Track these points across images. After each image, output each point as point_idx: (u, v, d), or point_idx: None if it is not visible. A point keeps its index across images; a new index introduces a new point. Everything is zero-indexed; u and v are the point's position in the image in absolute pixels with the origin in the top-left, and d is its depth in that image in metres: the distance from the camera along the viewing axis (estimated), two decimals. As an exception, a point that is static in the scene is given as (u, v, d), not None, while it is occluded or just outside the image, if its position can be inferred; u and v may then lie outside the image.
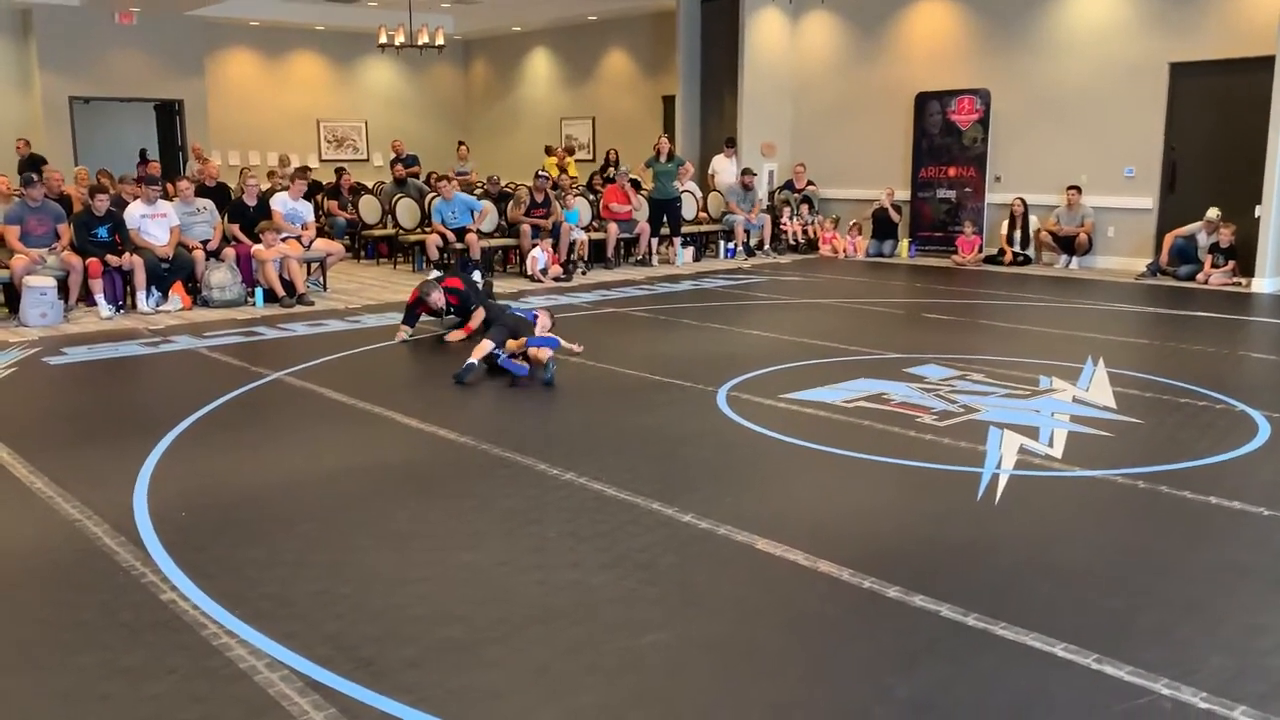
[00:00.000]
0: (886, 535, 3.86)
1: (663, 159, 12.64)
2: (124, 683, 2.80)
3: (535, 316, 6.85)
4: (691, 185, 13.61)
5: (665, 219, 12.76)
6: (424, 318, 8.04)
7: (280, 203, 10.16)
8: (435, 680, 2.81)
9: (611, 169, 14.36)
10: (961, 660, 2.90)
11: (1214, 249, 10.52)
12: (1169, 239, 10.97)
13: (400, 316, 8.08)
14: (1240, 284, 10.26)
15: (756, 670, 2.89)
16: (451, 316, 8.09)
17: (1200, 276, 10.53)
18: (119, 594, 3.34)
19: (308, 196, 11.75)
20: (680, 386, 6.20)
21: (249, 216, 9.89)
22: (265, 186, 11.40)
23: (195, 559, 3.61)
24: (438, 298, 7.90)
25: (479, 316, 7.78)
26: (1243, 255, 10.32)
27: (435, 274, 9.52)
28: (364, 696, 2.71)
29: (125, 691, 2.75)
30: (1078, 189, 11.81)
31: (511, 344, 6.50)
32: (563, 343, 6.72)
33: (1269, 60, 9.80)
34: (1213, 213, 10.54)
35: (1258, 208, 10.06)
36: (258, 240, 9.64)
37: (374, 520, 4.06)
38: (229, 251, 9.63)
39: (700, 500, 4.16)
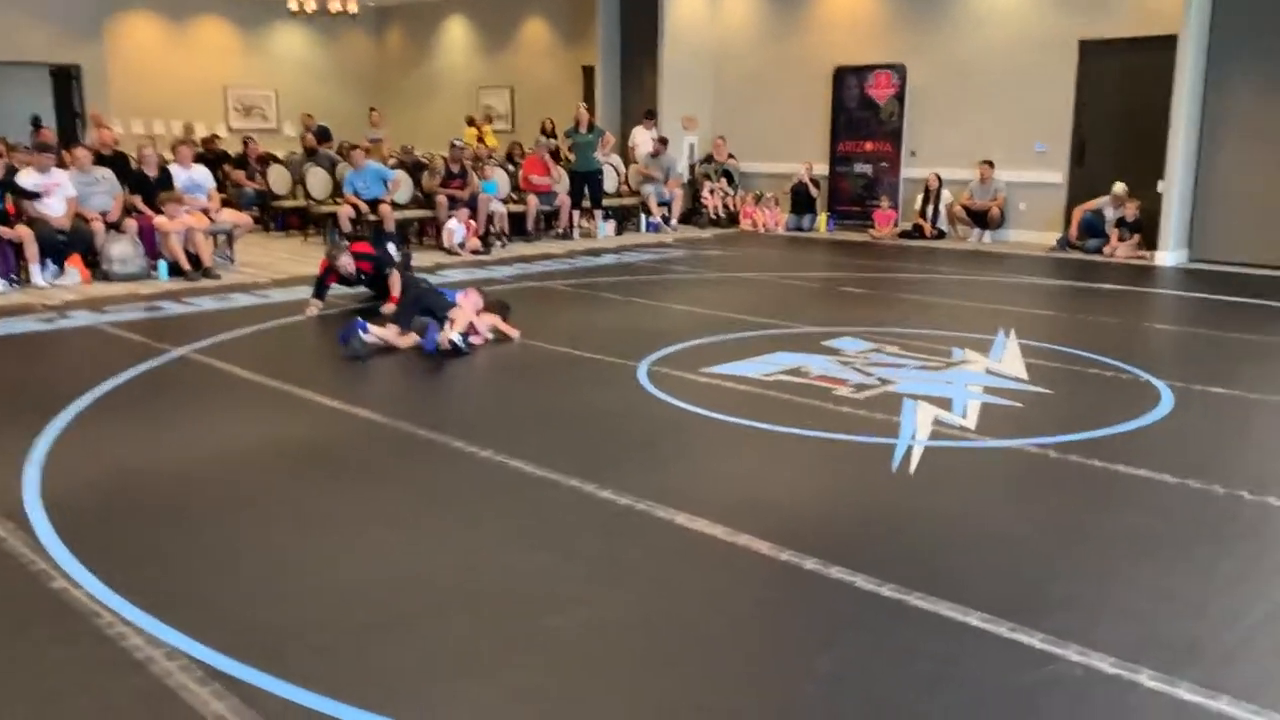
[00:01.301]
0: (804, 508, 3.87)
1: (582, 130, 12.50)
2: (11, 675, 2.65)
3: (455, 297, 6.63)
4: (615, 159, 13.49)
5: (586, 191, 12.64)
6: (336, 289, 7.83)
7: (174, 173, 9.77)
8: (347, 665, 2.71)
9: (550, 139, 14.15)
10: (880, 631, 2.90)
11: (1120, 223, 10.80)
12: (1078, 213, 11.23)
13: (310, 291, 7.85)
14: (1145, 257, 10.55)
15: (680, 645, 2.86)
16: (364, 288, 7.89)
17: (1107, 250, 10.80)
18: (5, 585, 3.17)
19: (213, 166, 11.39)
20: (601, 361, 6.14)
21: (150, 187, 9.51)
22: (170, 156, 10.96)
23: (90, 545, 3.44)
24: (347, 261, 7.66)
25: (396, 283, 7.53)
26: (1147, 229, 10.60)
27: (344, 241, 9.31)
28: (268, 684, 2.61)
29: (13, 684, 2.61)
30: (990, 164, 12.00)
31: (445, 335, 6.22)
32: (503, 327, 6.63)
33: (1173, 39, 10.05)
34: (1119, 187, 10.81)
35: (1160, 183, 10.35)
36: (160, 211, 9.27)
37: (284, 502, 3.93)
38: (130, 223, 9.26)
39: (621, 476, 4.12)
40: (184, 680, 2.62)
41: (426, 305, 6.48)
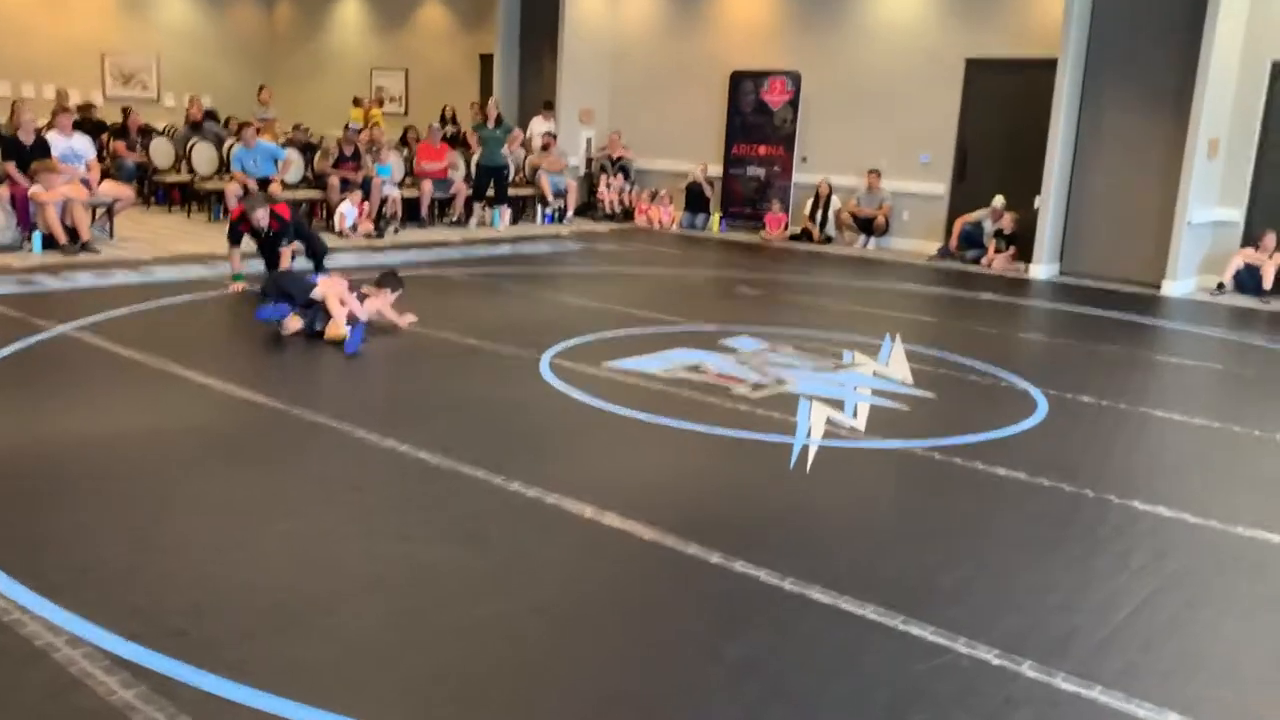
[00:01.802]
0: (707, 502, 3.98)
1: (490, 124, 12.41)
2: (-100, 664, 2.55)
3: (317, 279, 6.50)
4: (519, 151, 13.40)
5: (492, 185, 12.52)
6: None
7: (52, 141, 9.35)
8: (257, 653, 2.70)
9: (449, 125, 13.99)
10: (783, 623, 3.03)
11: (998, 235, 11.30)
12: (958, 224, 11.70)
13: (197, 270, 7.64)
14: (1020, 269, 11.07)
15: (587, 636, 2.93)
16: (256, 249, 7.76)
17: (985, 261, 11.29)
18: (-112, 567, 3.04)
19: (93, 135, 10.91)
20: (502, 353, 6.16)
21: (25, 155, 9.06)
22: (42, 123, 10.45)
23: (-23, 528, 3.32)
24: (262, 215, 7.53)
25: (288, 256, 7.70)
26: (1023, 242, 11.13)
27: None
28: (177, 672, 2.58)
29: (-98, 674, 2.52)
30: (877, 173, 12.40)
31: (334, 329, 6.14)
32: (389, 314, 6.55)
33: (1053, 63, 10.57)
34: (998, 201, 11.31)
35: (1037, 198, 10.87)
36: (34, 180, 8.85)
37: (180, 487, 3.85)
38: (2, 191, 8.81)
39: (526, 468, 4.16)
40: (89, 669, 2.57)
41: (283, 287, 6.35)
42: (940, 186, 12.22)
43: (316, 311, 6.21)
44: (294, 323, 6.22)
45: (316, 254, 7.95)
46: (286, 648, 2.74)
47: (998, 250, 11.26)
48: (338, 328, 6.10)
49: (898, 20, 12.33)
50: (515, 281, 8.78)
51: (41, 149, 9.18)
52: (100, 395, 4.94)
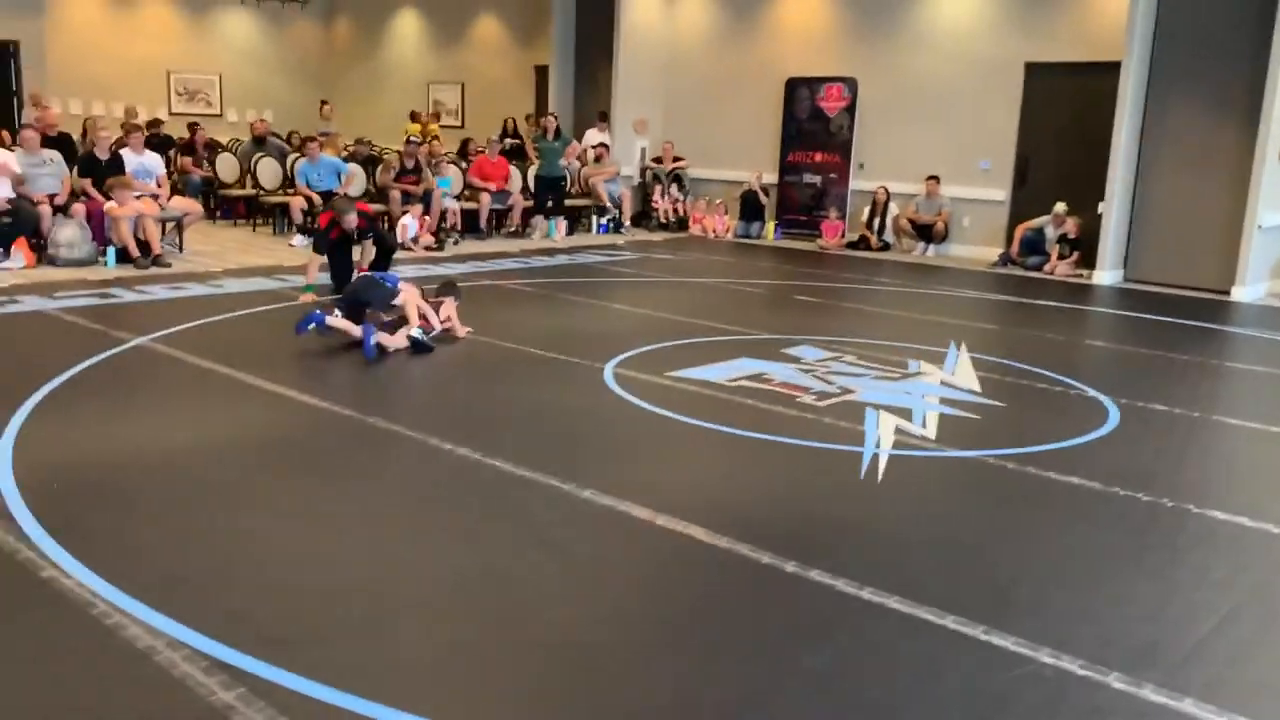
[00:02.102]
0: (780, 511, 3.99)
1: (549, 137, 12.53)
2: (13, 666, 2.65)
3: (398, 283, 6.60)
4: (575, 164, 13.53)
5: (550, 196, 12.64)
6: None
7: (125, 158, 9.61)
8: (346, 656, 2.76)
9: (507, 139, 14.14)
10: (861, 633, 3.03)
11: (1061, 240, 11.16)
12: (1020, 230, 11.57)
13: (265, 283, 7.81)
14: (1083, 275, 10.92)
15: (664, 644, 2.96)
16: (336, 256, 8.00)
17: (1047, 267, 11.15)
18: (-6, 572, 3.16)
19: (160, 151, 11.19)
20: (567, 362, 6.22)
21: (101, 171, 9.33)
22: (115, 139, 10.75)
23: (74, 534, 3.43)
24: (353, 219, 7.73)
25: (370, 253, 8.05)
26: (1086, 249, 10.98)
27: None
28: (273, 675, 2.65)
29: (15, 675, 2.61)
30: (936, 179, 12.31)
31: (402, 333, 6.25)
32: (454, 324, 6.64)
33: (1116, 65, 10.42)
34: (1059, 207, 11.17)
35: (1101, 204, 10.72)
36: (109, 196, 9.11)
37: (260, 495, 3.94)
38: (79, 208, 9.07)
39: (598, 476, 4.20)
40: (189, 670, 2.65)
41: (365, 299, 6.40)
42: (1000, 192, 12.10)
43: (368, 329, 6.25)
44: (338, 322, 6.30)
45: (389, 250, 8.31)
46: (371, 652, 2.80)
47: (1061, 256, 11.12)
48: (399, 338, 6.21)
49: (955, 25, 12.25)
50: (573, 291, 8.85)
51: (116, 166, 9.44)
52: (180, 404, 5.08)
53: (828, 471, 4.48)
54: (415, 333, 6.24)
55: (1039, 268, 11.23)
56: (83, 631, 2.82)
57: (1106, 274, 10.69)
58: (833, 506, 4.06)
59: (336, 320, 6.29)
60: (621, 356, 6.35)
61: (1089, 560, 3.65)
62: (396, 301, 6.34)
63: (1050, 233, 11.29)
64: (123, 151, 9.73)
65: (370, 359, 6.01)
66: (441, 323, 6.61)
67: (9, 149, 9.25)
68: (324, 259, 7.87)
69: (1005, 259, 11.59)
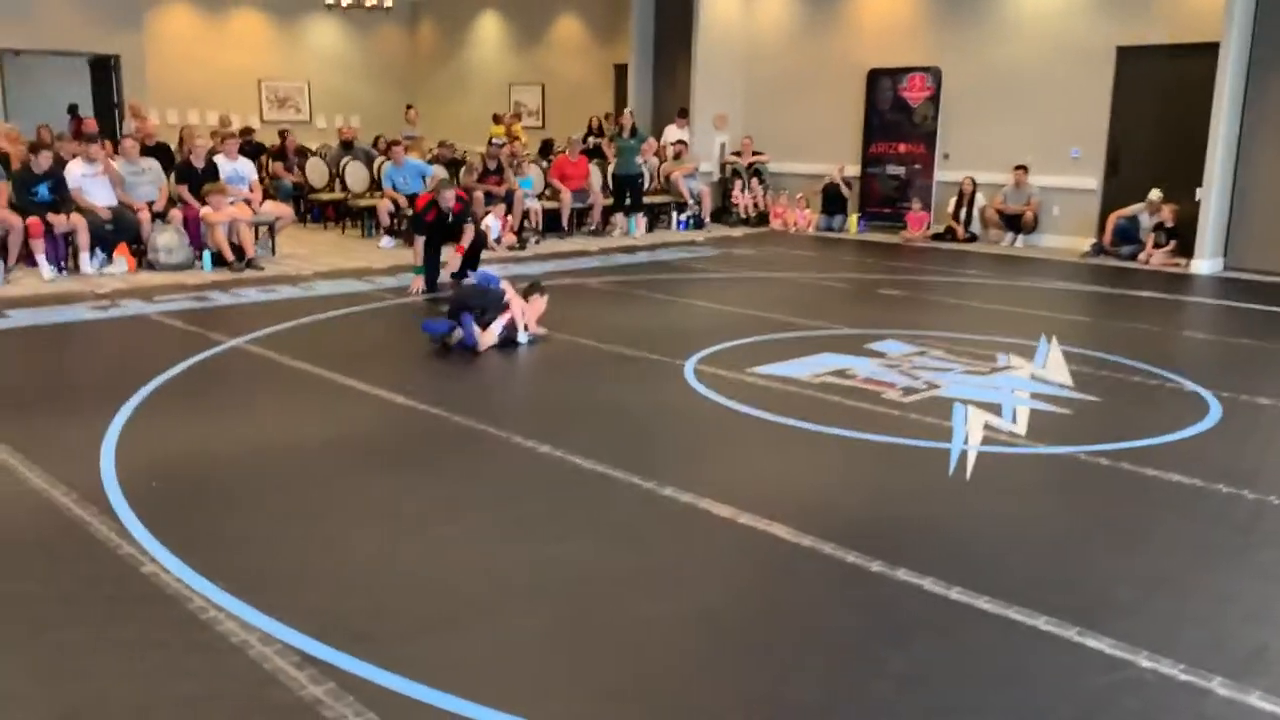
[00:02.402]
0: (865, 510, 3.93)
1: (626, 134, 12.57)
2: (114, 658, 2.75)
3: (500, 283, 6.70)
4: (653, 160, 13.54)
5: (628, 193, 12.67)
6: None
7: (219, 165, 9.91)
8: (431, 653, 2.80)
9: (592, 137, 14.21)
10: (949, 633, 2.97)
11: (1157, 228, 10.78)
12: (1112, 219, 11.22)
13: (355, 284, 7.97)
14: (1180, 264, 10.54)
15: (748, 644, 2.93)
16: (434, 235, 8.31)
17: (1142, 256, 10.79)
18: (98, 567, 3.28)
19: (252, 158, 11.50)
20: (647, 359, 6.22)
21: (197, 178, 9.63)
22: (209, 147, 11.07)
23: (172, 530, 3.55)
24: (449, 195, 8.31)
25: (469, 234, 8.42)
26: (1183, 237, 10.60)
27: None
28: (362, 670, 2.70)
29: (117, 667, 2.71)
30: (1024, 168, 12.01)
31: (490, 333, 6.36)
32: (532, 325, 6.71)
33: (1213, 46, 10.03)
34: (1154, 194, 10.80)
35: (1198, 190, 10.33)
36: (205, 202, 9.40)
37: (349, 493, 4.02)
38: (176, 214, 9.38)
39: (679, 474, 4.19)
40: (281, 665, 2.71)
41: (467, 301, 6.47)
42: (1092, 180, 11.74)
43: (466, 318, 6.35)
44: (489, 337, 6.42)
45: (479, 246, 8.63)
46: (456, 648, 2.84)
47: (1157, 245, 10.75)
48: (491, 334, 6.32)
49: (1043, 9, 11.92)
50: (653, 288, 8.85)
51: (211, 173, 9.74)
52: (273, 404, 5.21)
53: (914, 469, 4.40)
54: (522, 337, 6.43)
55: (1133, 257, 10.87)
56: (180, 625, 2.91)
57: (1205, 262, 10.31)
58: (919, 505, 3.99)
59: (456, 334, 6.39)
60: (702, 353, 6.33)
61: (1190, 560, 3.52)
62: (509, 299, 6.49)
63: (1145, 221, 10.92)
64: (217, 158, 10.03)
65: (471, 345, 6.21)
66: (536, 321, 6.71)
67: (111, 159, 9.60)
68: (423, 239, 8.28)
69: (1097, 248, 11.25)
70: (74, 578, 3.21)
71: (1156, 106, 11.19)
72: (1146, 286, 9.44)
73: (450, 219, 8.34)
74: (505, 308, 6.43)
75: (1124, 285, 9.54)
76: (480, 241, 8.76)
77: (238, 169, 10.03)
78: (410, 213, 9.59)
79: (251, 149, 13.12)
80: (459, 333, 6.31)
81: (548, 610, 3.08)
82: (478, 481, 4.17)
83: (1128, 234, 11.08)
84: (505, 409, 5.33)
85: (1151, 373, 6.08)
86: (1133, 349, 6.68)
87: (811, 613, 3.13)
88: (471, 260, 8.45)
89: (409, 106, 15.90)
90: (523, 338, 6.43)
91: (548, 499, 3.97)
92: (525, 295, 6.81)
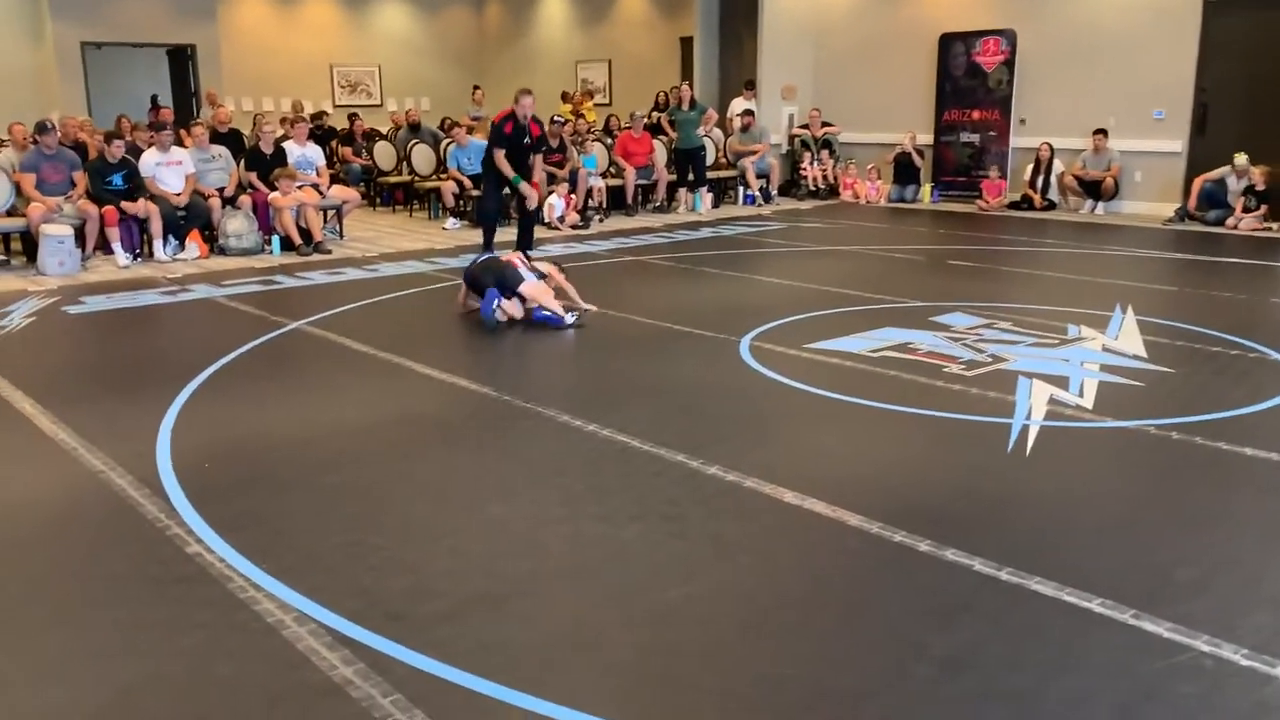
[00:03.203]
0: (916, 488, 3.81)
1: (684, 107, 12.43)
2: (155, 637, 2.79)
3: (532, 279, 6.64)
4: (716, 132, 13.37)
5: (690, 168, 12.54)
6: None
7: (288, 150, 10.06)
8: (466, 634, 2.79)
9: (656, 112, 14.09)
10: (997, 616, 2.86)
11: (1246, 192, 10.31)
12: (1198, 183, 10.77)
13: (419, 265, 8.03)
14: (1271, 229, 10.06)
15: (789, 625, 2.86)
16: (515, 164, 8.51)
17: (1230, 221, 10.33)
18: (146, 547, 3.33)
19: (321, 143, 11.66)
20: (702, 336, 6.14)
21: (266, 164, 9.79)
22: (280, 133, 11.27)
23: (220, 511, 3.60)
24: (528, 102, 8.39)
25: (539, 167, 8.91)
26: (1274, 200, 10.11)
27: None
28: (394, 651, 2.69)
29: (157, 645, 2.75)
30: (1104, 132, 11.57)
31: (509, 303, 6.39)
32: (575, 299, 6.66)
33: (1307, -3, 9.53)
34: (1240, 158, 10.32)
35: (1291, 151, 9.85)
36: (274, 188, 9.55)
37: (400, 472, 4.03)
38: (245, 199, 9.55)
39: (726, 452, 4.12)
40: (314, 645, 2.72)
41: (487, 280, 6.50)
42: (1176, 143, 11.28)
43: (490, 293, 6.37)
44: (513, 308, 6.43)
45: (530, 219, 8.88)
46: (494, 630, 2.82)
47: (1246, 209, 10.27)
48: (515, 307, 6.42)
49: (1123, -34, 11.45)
50: (715, 264, 8.74)
51: (279, 159, 9.89)
52: (328, 385, 5.26)
53: (970, 445, 4.25)
54: (569, 318, 6.37)
55: (1220, 222, 10.42)
56: (219, 605, 2.94)
57: (1299, 226, 9.82)
58: (973, 482, 3.85)
59: (512, 308, 6.43)
60: (760, 329, 6.22)
61: (1260, 540, 3.33)
62: (522, 289, 6.39)
63: (1233, 184, 10.45)
64: (286, 144, 10.18)
65: (487, 319, 6.25)
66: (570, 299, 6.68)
67: (184, 146, 9.81)
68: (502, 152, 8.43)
69: (1182, 214, 10.81)
70: (123, 558, 3.27)
71: (1246, 63, 10.69)
72: (1233, 252, 9.03)
73: (528, 138, 8.41)
74: (516, 292, 6.43)
75: (1209, 251, 9.15)
76: (533, 217, 8.86)
77: (306, 154, 10.18)
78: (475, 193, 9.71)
79: (321, 134, 13.31)
80: (511, 307, 6.35)
81: (587, 591, 3.04)
82: (526, 461, 4.15)
83: (1214, 198, 10.63)
84: (557, 388, 5.30)
85: (1233, 342, 5.81)
86: (1214, 318, 6.39)
87: (854, 594, 3.03)
88: (526, 238, 8.48)
89: (475, 88, 15.97)
90: (569, 318, 6.37)
91: (594, 478, 3.93)
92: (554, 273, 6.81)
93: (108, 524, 3.53)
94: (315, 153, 10.37)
